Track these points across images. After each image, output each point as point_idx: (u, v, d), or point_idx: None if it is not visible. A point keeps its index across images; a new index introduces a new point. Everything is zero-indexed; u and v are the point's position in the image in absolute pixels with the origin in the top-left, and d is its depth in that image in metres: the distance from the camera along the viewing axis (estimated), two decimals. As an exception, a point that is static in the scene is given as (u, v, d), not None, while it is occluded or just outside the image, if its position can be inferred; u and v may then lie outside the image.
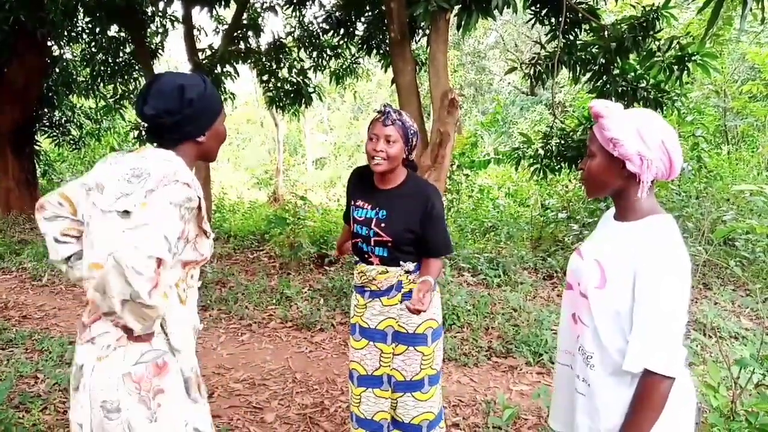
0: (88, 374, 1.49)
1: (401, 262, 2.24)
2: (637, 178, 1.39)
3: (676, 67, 4.74)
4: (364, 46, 7.45)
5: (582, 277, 1.49)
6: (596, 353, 1.45)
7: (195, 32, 8.24)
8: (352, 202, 2.32)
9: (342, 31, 7.57)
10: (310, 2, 7.94)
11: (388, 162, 2.15)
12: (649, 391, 1.33)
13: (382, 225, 2.20)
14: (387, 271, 2.24)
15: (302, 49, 8.49)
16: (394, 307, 2.27)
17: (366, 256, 2.27)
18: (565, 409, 1.60)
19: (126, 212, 1.42)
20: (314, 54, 8.47)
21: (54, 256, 1.60)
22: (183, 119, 1.55)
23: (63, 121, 11.41)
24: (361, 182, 2.32)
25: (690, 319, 4.58)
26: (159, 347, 1.53)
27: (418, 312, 1.98)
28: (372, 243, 2.23)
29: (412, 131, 2.19)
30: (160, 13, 8.53)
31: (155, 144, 1.61)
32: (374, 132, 2.17)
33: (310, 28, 8.31)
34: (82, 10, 7.80)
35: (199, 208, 1.55)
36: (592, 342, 1.45)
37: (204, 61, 7.93)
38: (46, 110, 10.71)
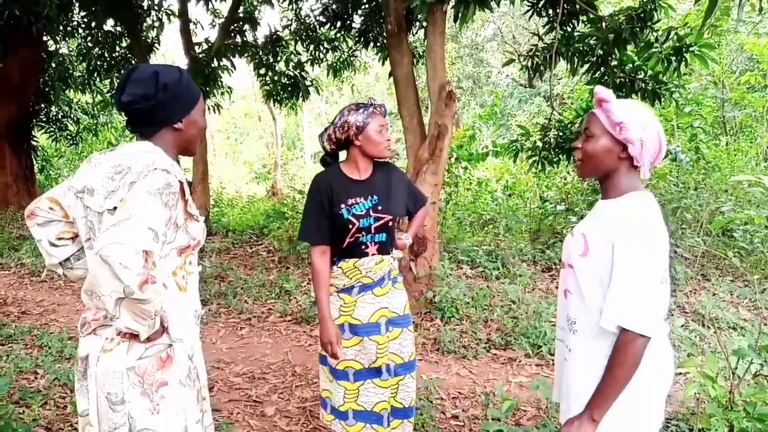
0: (93, 364, 1.51)
1: (392, 250, 2.35)
2: (632, 160, 1.52)
3: (674, 58, 4.71)
4: (361, 39, 7.41)
5: (570, 250, 1.60)
6: (580, 318, 1.55)
7: (191, 26, 8.20)
8: (343, 205, 2.25)
9: (339, 23, 7.53)
10: (307, -5, 7.90)
11: None
12: (623, 348, 1.42)
13: (379, 208, 2.28)
14: (382, 260, 2.30)
15: (299, 42, 8.46)
16: (386, 295, 2.32)
17: (364, 248, 2.27)
18: (559, 380, 1.69)
19: (115, 209, 1.44)
20: (311, 47, 8.44)
21: (50, 261, 1.61)
22: (159, 104, 1.57)
23: (60, 116, 11.39)
24: (339, 186, 2.28)
25: (689, 310, 4.60)
26: (163, 341, 1.56)
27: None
28: (373, 230, 2.26)
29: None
30: (155, 7, 8.48)
31: (137, 137, 1.63)
32: (381, 124, 2.25)
33: (307, 21, 8.28)
34: (77, 5, 7.76)
35: (183, 192, 1.56)
36: (577, 307, 1.56)
37: (200, 55, 7.90)
38: (42, 105, 10.68)
